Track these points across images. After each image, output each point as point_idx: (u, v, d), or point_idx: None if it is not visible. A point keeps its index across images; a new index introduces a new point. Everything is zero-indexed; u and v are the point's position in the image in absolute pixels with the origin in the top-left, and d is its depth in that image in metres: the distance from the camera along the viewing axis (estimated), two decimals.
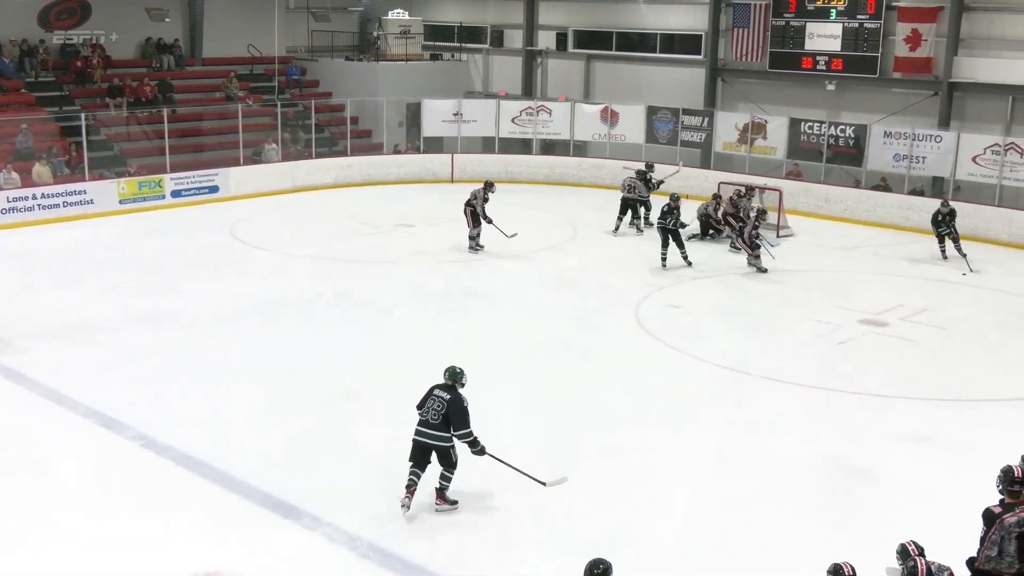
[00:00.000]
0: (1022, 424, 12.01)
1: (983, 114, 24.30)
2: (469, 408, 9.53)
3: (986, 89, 24.06)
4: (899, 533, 7.48)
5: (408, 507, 9.45)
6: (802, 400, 12.73)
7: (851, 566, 6.44)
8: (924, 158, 23.41)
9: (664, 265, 18.54)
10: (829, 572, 6.45)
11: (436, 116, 28.75)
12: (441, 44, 34.59)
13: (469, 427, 9.46)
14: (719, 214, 20.87)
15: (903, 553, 6.61)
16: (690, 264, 18.69)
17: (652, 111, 27.78)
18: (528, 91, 32.43)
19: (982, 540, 7.16)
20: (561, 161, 28.50)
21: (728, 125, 26.49)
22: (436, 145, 29.24)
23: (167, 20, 29.30)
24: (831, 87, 26.43)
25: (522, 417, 12.03)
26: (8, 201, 21.41)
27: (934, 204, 22.77)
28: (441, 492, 9.68)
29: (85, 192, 22.56)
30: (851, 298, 17.08)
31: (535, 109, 28.94)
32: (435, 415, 9.47)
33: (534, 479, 9.71)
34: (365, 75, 31.62)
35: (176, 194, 23.96)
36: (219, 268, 18.56)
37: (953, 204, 20.22)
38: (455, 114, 28.68)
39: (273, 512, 9.62)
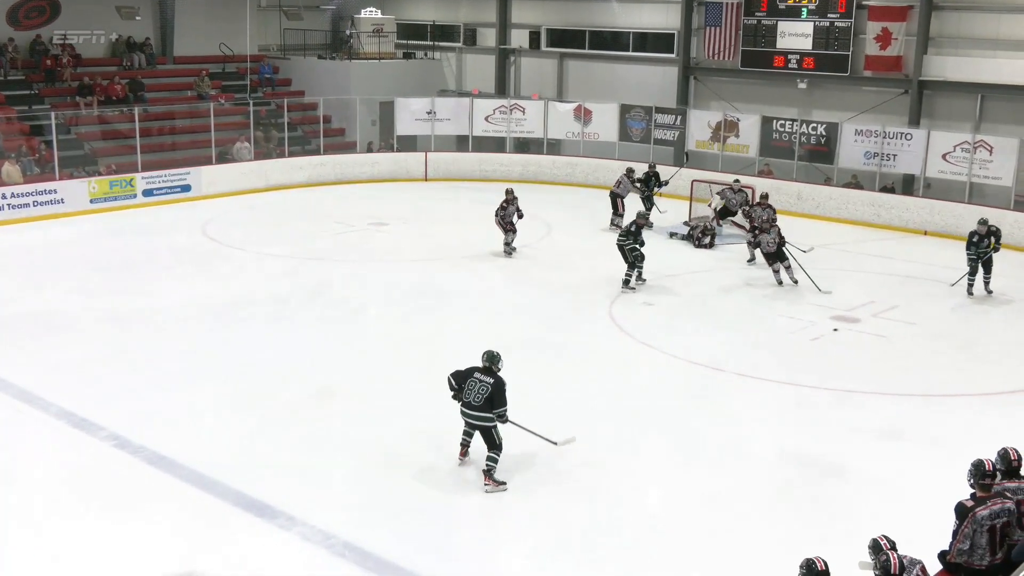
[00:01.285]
0: (992, 419, 12.13)
1: (953, 112, 24.52)
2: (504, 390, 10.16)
3: (955, 87, 24.27)
4: (871, 528, 7.52)
5: (462, 462, 10.54)
6: (774, 396, 12.80)
7: (824, 561, 6.47)
8: (894, 156, 23.61)
9: (624, 287, 17.22)
10: (801, 567, 6.49)
11: (409, 115, 28.73)
12: (414, 43, 34.54)
13: (506, 405, 10.12)
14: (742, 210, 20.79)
15: (875, 547, 6.65)
16: (633, 285, 17.20)
17: (625, 109, 27.87)
18: (502, 90, 32.44)
19: (954, 534, 7.23)
20: (535, 159, 28.55)
21: (701, 123, 26.63)
22: (410, 144, 29.21)
23: (138, 18, 29.10)
24: (802, 85, 26.59)
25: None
26: None
27: (905, 201, 23.07)
28: (488, 473, 10.12)
29: (56, 191, 22.38)
30: (823, 295, 17.19)
31: (508, 108, 28.96)
32: (478, 397, 10.11)
33: (545, 439, 10.42)
34: (338, 74, 31.53)
35: (148, 193, 23.82)
36: (192, 267, 18.46)
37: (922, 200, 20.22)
38: (428, 113, 28.65)
39: (247, 511, 9.59)
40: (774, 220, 18.44)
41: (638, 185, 22.54)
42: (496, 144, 29.25)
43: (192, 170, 24.78)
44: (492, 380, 10.14)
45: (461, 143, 29.34)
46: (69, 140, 24.69)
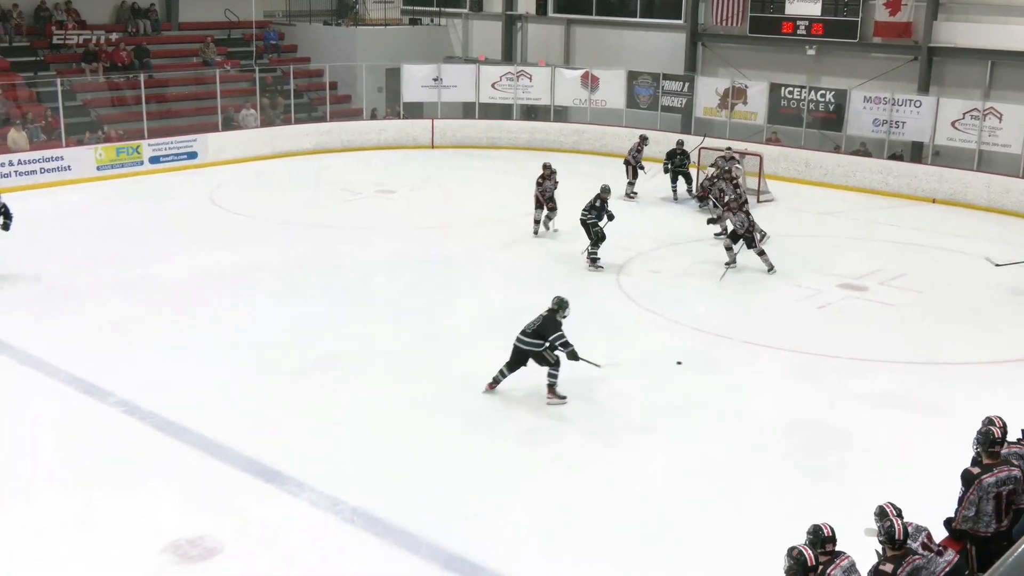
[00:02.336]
0: (998, 387, 12.12)
1: (962, 79, 24.31)
2: (563, 330, 11.23)
3: (965, 54, 24.06)
4: (877, 495, 7.55)
5: (488, 392, 11.55)
6: (781, 364, 12.81)
7: (830, 527, 6.50)
8: (903, 123, 23.47)
9: (592, 264, 16.79)
10: (808, 533, 6.51)
11: (416, 81, 28.59)
12: (420, 8, 34.30)
13: (561, 336, 11.22)
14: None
15: (881, 514, 6.66)
16: (601, 264, 16.74)
17: (632, 76, 27.70)
18: (508, 56, 32.24)
19: (960, 501, 7.25)
20: (542, 126, 28.44)
21: (708, 90, 26.46)
22: (416, 111, 29.10)
23: None
24: (811, 52, 26.37)
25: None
26: None
27: (913, 169, 22.96)
28: (551, 387, 11.36)
29: (62, 158, 22.38)
30: (831, 263, 17.17)
31: (515, 74, 28.81)
32: (531, 327, 11.35)
33: (591, 363, 11.46)
34: (344, 40, 31.34)
35: (154, 160, 23.79)
36: (198, 235, 18.47)
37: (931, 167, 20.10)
38: (435, 79, 28.52)
39: (256, 478, 9.64)
40: (744, 202, 17.43)
41: (667, 163, 21.99)
42: (503, 111, 29.13)
43: (198, 137, 24.75)
44: (545, 314, 11.33)
45: (468, 110, 29.22)
46: (75, 107, 24.64)
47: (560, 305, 11.37)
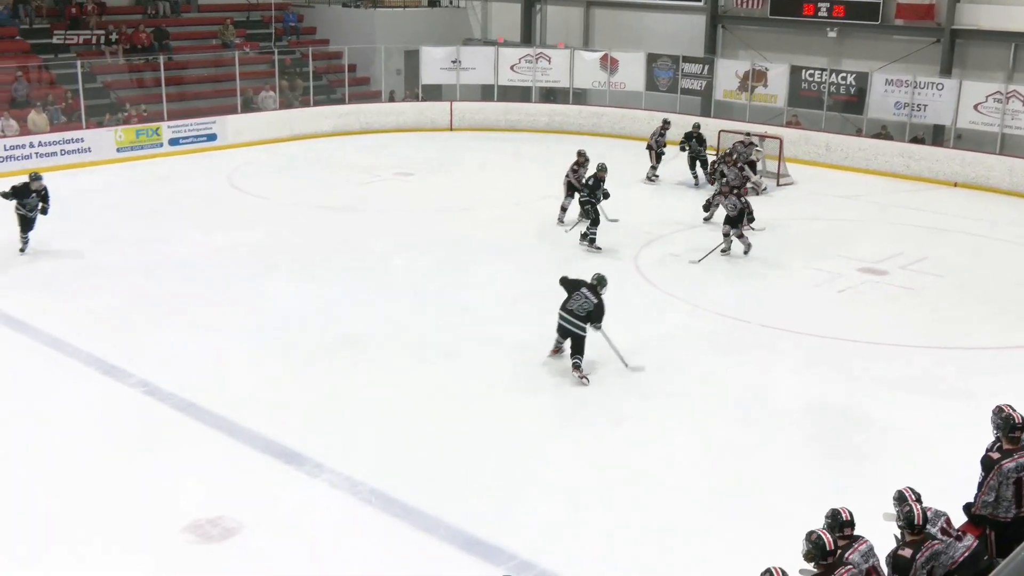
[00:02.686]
0: (1018, 372, 12.06)
1: (985, 62, 24.10)
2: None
3: (988, 36, 23.84)
4: (896, 479, 7.53)
5: (551, 356, 12.02)
6: (800, 348, 12.77)
7: (849, 511, 6.48)
8: (925, 106, 23.30)
9: (590, 245, 16.73)
10: (827, 517, 6.50)
11: (434, 64, 28.55)
12: None
13: (601, 323, 11.52)
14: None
15: (900, 499, 6.64)
16: (591, 244, 16.68)
17: (652, 59, 27.59)
18: (527, 38, 32.14)
19: (980, 486, 7.21)
20: (561, 109, 28.35)
21: (728, 73, 26.32)
22: (434, 93, 29.06)
23: None
24: (832, 34, 26.18)
25: (519, 360, 12.10)
26: (5, 149, 21.34)
27: (935, 152, 22.79)
28: (576, 367, 11.56)
29: (82, 140, 22.47)
30: (851, 247, 17.09)
31: (534, 57, 28.72)
32: (581, 310, 11.50)
33: (621, 358, 11.80)
34: (363, 22, 31.31)
35: (174, 142, 23.86)
36: (217, 216, 18.53)
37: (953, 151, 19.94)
38: (453, 62, 28.47)
39: (275, 458, 9.69)
40: (737, 187, 17.14)
41: (684, 144, 21.69)
42: (522, 94, 29.06)
43: (218, 119, 24.80)
44: (596, 301, 11.48)
45: (486, 92, 29.16)
46: (95, 89, 24.71)
47: (601, 283, 11.70)
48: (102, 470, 9.46)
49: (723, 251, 16.26)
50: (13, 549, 8.22)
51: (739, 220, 16.23)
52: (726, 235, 16.30)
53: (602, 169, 16.76)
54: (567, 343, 11.71)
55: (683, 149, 21.80)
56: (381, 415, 10.70)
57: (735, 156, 19.94)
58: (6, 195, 15.61)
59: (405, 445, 10.06)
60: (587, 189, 16.76)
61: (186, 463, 9.65)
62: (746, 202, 16.39)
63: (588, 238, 16.73)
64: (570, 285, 11.81)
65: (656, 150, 21.88)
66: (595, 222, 16.69)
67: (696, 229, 18.01)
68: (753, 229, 16.94)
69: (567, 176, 18.28)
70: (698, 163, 21.74)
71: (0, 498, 8.96)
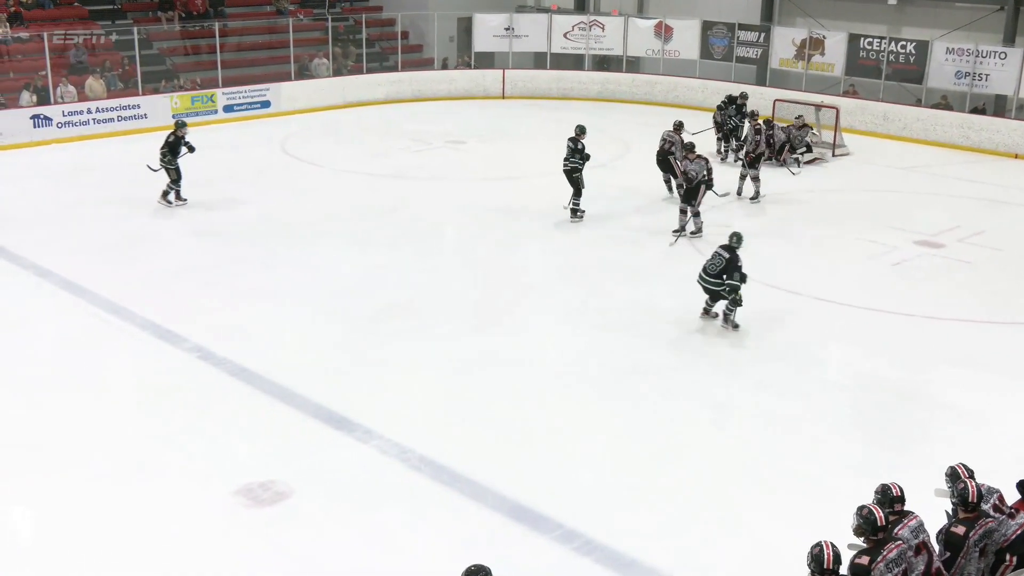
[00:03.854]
0: None
1: None
2: (742, 266, 11.81)
3: None
4: (948, 455, 7.46)
5: (703, 318, 12.38)
6: (854, 321, 12.63)
7: (899, 487, 6.44)
8: (987, 75, 22.78)
9: (574, 216, 16.49)
10: (877, 493, 6.46)
11: (487, 31, 28.45)
12: None
13: (735, 280, 11.76)
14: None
15: (953, 475, 6.59)
16: (574, 214, 16.45)
17: (707, 26, 27.24)
18: (581, 6, 31.87)
19: None
20: (614, 77, 28.15)
21: (785, 41, 25.93)
22: (487, 61, 28.97)
23: None
24: (892, 2, 25.65)
25: (570, 329, 12.11)
26: (64, 115, 21.65)
27: (996, 123, 22.31)
28: (726, 317, 12.16)
29: (139, 106, 22.74)
30: (907, 219, 16.84)
31: (588, 24, 28.50)
32: (713, 267, 11.92)
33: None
34: None
35: (228, 109, 24.06)
36: (271, 183, 18.67)
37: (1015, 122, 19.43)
38: (506, 29, 28.35)
39: (326, 424, 9.80)
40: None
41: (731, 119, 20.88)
42: (574, 62, 28.88)
43: (271, 86, 24.95)
44: (728, 255, 11.81)
45: (539, 60, 29.02)
46: (151, 55, 24.93)
47: (738, 239, 11.99)
48: (156, 433, 9.62)
49: (692, 233, 15.63)
50: (67, 509, 8.40)
51: (693, 196, 15.52)
52: (683, 212, 15.71)
53: (581, 131, 16.37)
54: (718, 305, 12.23)
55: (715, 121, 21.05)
56: (431, 382, 10.77)
57: (788, 140, 19.67)
58: (191, 148, 16.75)
59: (455, 412, 10.12)
60: (579, 156, 16.16)
61: (238, 427, 9.79)
62: (709, 170, 15.54)
63: (573, 208, 16.38)
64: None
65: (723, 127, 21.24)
66: (580, 191, 16.36)
67: (747, 202, 17.82)
68: (716, 194, 16.27)
69: (676, 154, 17.20)
70: (733, 138, 20.80)
71: (58, 460, 9.15)
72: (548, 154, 19.65)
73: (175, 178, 16.83)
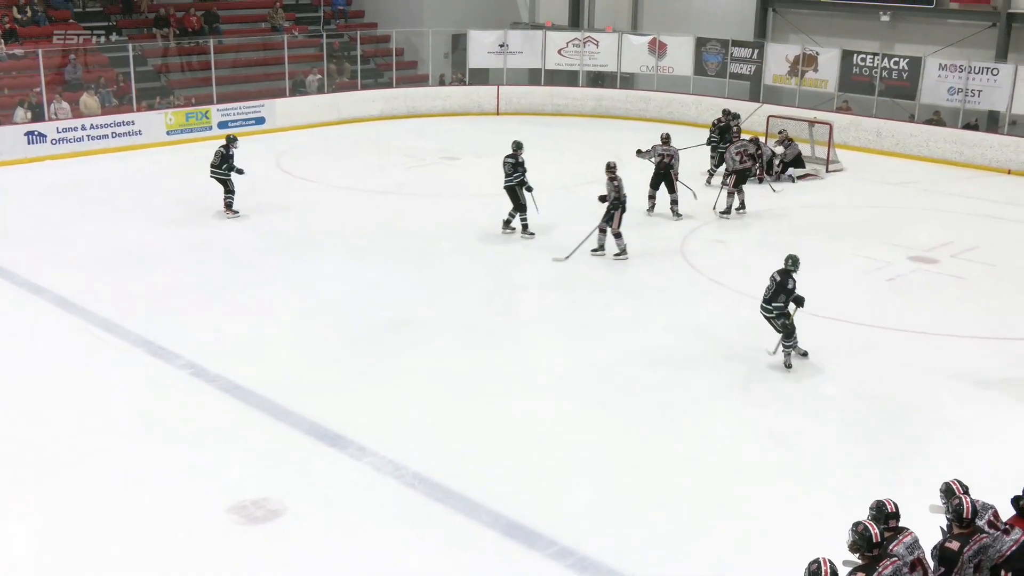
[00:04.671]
0: None
1: None
2: (795, 288, 11.36)
3: None
4: (943, 471, 7.45)
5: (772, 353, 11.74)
6: (848, 336, 12.63)
7: (894, 503, 6.43)
8: (979, 92, 22.88)
9: (517, 229, 16.52)
10: (872, 509, 6.45)
11: (482, 48, 28.51)
12: None
13: (794, 294, 11.36)
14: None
15: (948, 491, 6.58)
16: (524, 230, 16.42)
17: (701, 43, 27.34)
18: (575, 22, 31.99)
19: None
20: (608, 94, 28.21)
21: (778, 57, 26.03)
22: (481, 77, 29.02)
23: None
24: (885, 18, 25.81)
25: (563, 348, 12.10)
26: (58, 132, 21.63)
27: (988, 139, 22.38)
28: (787, 354, 11.53)
29: (133, 123, 22.74)
30: (901, 234, 16.87)
31: (582, 41, 28.59)
32: (768, 292, 11.49)
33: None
34: (411, 6, 31.28)
35: (223, 125, 24.03)
36: (265, 199, 18.64)
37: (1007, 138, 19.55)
38: (501, 45, 28.42)
39: (320, 441, 9.77)
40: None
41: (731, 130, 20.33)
42: (569, 78, 28.95)
43: (266, 102, 24.96)
44: (779, 279, 11.40)
45: (533, 77, 29.09)
46: (146, 72, 24.96)
47: (793, 263, 11.57)
48: (148, 450, 9.58)
49: (616, 255, 15.34)
50: (59, 527, 8.36)
51: (614, 212, 15.20)
52: (602, 231, 15.44)
53: (518, 147, 16.45)
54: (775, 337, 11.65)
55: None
56: (425, 399, 10.74)
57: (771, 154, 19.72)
58: (240, 172, 17.28)
59: (449, 429, 10.09)
60: (521, 170, 16.17)
61: (231, 444, 9.76)
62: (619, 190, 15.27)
63: (524, 223, 16.38)
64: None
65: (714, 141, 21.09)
66: (524, 206, 16.36)
67: (742, 218, 17.85)
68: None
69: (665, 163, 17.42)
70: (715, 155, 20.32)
71: (48, 477, 9.11)
72: (543, 171, 19.68)
73: (229, 189, 17.32)
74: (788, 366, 11.46)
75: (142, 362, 11.56)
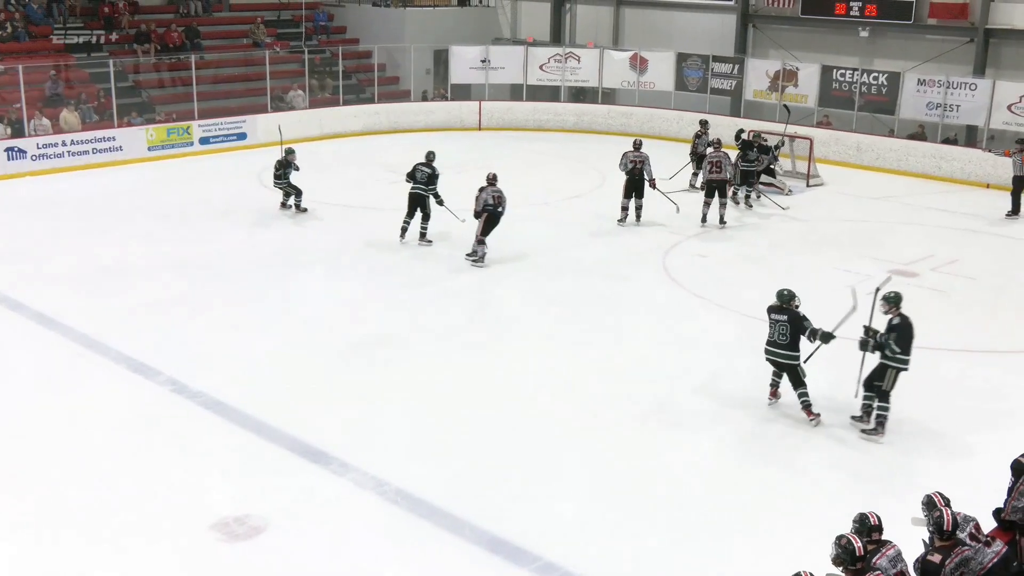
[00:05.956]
0: None
1: (1019, 61, 23.82)
2: (806, 316, 10.43)
3: (1023, 36, 23.58)
4: (925, 484, 7.47)
5: (771, 403, 10.94)
6: (828, 349, 12.62)
7: (877, 516, 6.44)
8: (958, 107, 23.06)
9: (423, 239, 16.84)
10: (855, 522, 6.46)
11: (464, 63, 28.58)
12: None
13: (811, 325, 10.37)
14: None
15: (929, 504, 6.59)
16: (421, 237, 16.84)
17: (682, 58, 27.48)
18: (557, 38, 32.11)
19: (1010, 491, 7.15)
20: (590, 109, 28.31)
21: (759, 72, 26.18)
22: (464, 92, 29.08)
23: None
24: (864, 34, 25.98)
25: (548, 361, 12.08)
26: (38, 148, 21.54)
27: (968, 153, 22.53)
28: (805, 407, 10.54)
29: (114, 139, 22.66)
30: (882, 248, 16.95)
31: (563, 56, 28.69)
32: (781, 336, 10.45)
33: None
34: (393, 21, 31.39)
35: (204, 141, 24.01)
36: (247, 215, 18.61)
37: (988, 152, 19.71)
38: (483, 61, 28.49)
39: (302, 457, 9.73)
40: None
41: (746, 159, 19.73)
42: (551, 93, 29.04)
43: (247, 118, 24.92)
44: (786, 316, 10.43)
45: (515, 92, 29.15)
46: (127, 88, 24.91)
47: (783, 299, 10.61)
48: (130, 467, 9.52)
49: (474, 260, 15.83)
50: (41, 545, 8.29)
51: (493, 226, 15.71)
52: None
53: (431, 157, 16.84)
54: (784, 378, 10.83)
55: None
56: (408, 414, 10.72)
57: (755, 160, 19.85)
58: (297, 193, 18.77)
59: (431, 445, 10.07)
60: (434, 181, 16.57)
61: (213, 461, 9.71)
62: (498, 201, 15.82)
63: (423, 232, 16.80)
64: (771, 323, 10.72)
65: (700, 155, 21.14)
66: (429, 216, 16.77)
67: (723, 231, 17.91)
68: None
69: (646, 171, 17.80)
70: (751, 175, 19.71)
71: (29, 495, 9.04)
72: (524, 186, 19.75)
73: (296, 192, 18.57)
74: (817, 414, 10.61)
75: (123, 378, 11.50)
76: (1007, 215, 19.20)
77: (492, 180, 15.97)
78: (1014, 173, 19.24)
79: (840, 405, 11.03)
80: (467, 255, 15.83)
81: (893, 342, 10.16)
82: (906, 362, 10.22)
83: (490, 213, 15.68)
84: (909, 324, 10.27)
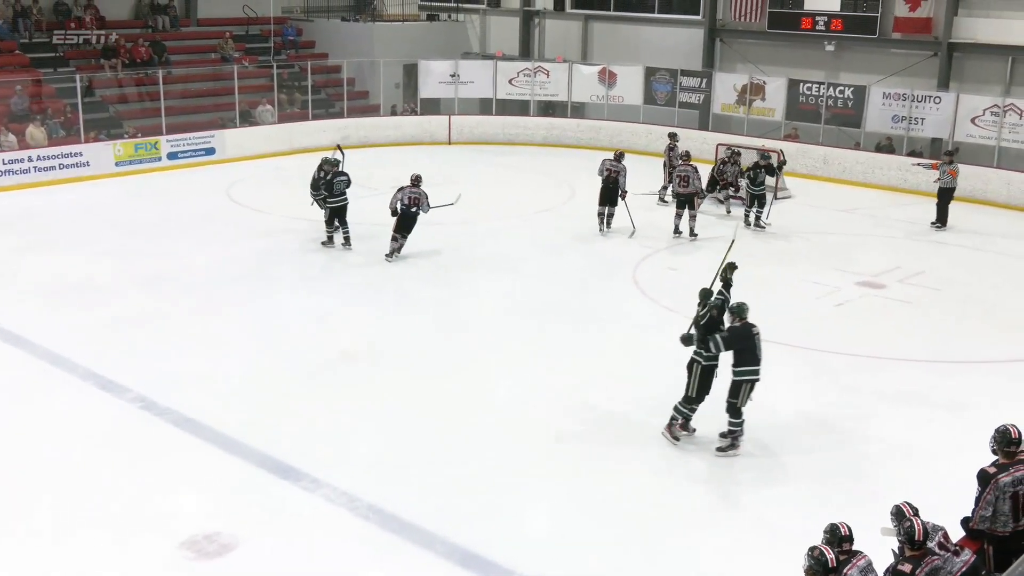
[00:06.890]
0: (1016, 385, 12.06)
1: (982, 75, 24.18)
2: (720, 335, 10.09)
3: (985, 50, 23.92)
4: (894, 494, 7.52)
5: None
6: (798, 361, 12.75)
7: (847, 526, 6.48)
8: (923, 119, 23.35)
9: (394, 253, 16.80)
10: (826, 532, 6.49)
11: (433, 77, 28.62)
12: (438, 4, 34.34)
13: (710, 341, 10.10)
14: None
15: (898, 514, 6.64)
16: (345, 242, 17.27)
17: (650, 72, 27.66)
18: (526, 52, 32.23)
19: (977, 500, 7.20)
20: (559, 123, 28.41)
21: (726, 86, 26.40)
22: (433, 107, 29.11)
23: None
24: (830, 48, 26.27)
25: (519, 375, 12.08)
26: (4, 163, 21.36)
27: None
28: (730, 436, 10.18)
29: (81, 154, 22.49)
30: (849, 260, 17.10)
31: (532, 70, 28.79)
32: (757, 351, 10.01)
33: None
34: (362, 36, 31.38)
35: (172, 156, 23.87)
36: (216, 230, 18.52)
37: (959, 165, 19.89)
38: (452, 75, 28.54)
39: (272, 473, 9.67)
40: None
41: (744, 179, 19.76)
42: (520, 107, 29.12)
43: (216, 133, 24.83)
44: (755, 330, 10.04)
45: (485, 106, 29.22)
46: (94, 103, 24.74)
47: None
48: (98, 485, 9.43)
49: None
50: (6, 565, 8.19)
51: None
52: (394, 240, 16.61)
53: (329, 162, 17.43)
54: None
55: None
56: (379, 430, 10.69)
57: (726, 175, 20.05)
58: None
59: (403, 460, 10.04)
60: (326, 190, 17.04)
61: (183, 478, 9.63)
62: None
63: (330, 235, 17.27)
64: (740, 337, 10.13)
65: (672, 167, 21.20)
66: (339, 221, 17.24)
67: (694, 243, 18.01)
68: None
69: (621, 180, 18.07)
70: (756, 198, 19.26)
71: None
72: (495, 199, 19.79)
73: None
74: (735, 448, 10.27)
75: (91, 395, 11.39)
76: (933, 225, 19.39)
77: (415, 182, 16.54)
78: (940, 185, 19.48)
79: (817, 423, 11.10)
80: (386, 255, 16.40)
81: (718, 341, 10.05)
82: (746, 372, 10.06)
83: (403, 213, 16.22)
84: (747, 335, 10.06)
